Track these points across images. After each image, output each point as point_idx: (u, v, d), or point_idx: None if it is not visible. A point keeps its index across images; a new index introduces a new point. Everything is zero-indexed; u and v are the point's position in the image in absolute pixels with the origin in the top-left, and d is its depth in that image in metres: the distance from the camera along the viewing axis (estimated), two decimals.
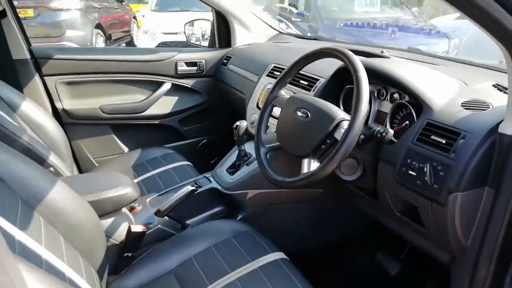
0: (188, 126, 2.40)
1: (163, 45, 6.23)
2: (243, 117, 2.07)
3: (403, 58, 1.57)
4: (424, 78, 1.19)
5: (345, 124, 1.08)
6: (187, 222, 1.56)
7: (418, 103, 1.16)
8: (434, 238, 1.17)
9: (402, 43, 4.50)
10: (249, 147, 1.67)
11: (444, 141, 1.03)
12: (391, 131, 1.04)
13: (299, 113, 1.19)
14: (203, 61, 2.33)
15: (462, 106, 1.09)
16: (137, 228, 1.34)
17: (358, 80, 1.04)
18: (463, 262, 1.12)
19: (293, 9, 6.42)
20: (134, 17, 9.51)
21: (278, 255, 1.29)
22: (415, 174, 1.06)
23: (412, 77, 1.17)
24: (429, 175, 1.02)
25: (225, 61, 2.27)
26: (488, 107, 1.06)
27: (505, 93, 1.18)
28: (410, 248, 1.62)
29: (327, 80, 1.45)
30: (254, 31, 2.38)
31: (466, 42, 4.66)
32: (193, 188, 1.47)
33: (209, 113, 2.43)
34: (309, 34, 4.72)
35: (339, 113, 1.11)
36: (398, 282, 1.62)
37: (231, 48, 2.37)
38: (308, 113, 1.17)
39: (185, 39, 2.56)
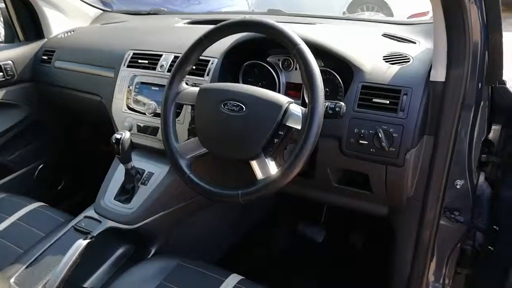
0: (12, 154, 1.75)
1: None
2: (101, 124, 1.63)
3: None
4: (341, 41, 1.10)
5: (295, 108, 0.90)
6: (86, 286, 1.13)
7: (340, 68, 1.08)
8: (377, 198, 1.16)
9: (207, 7, 4.44)
10: (138, 161, 1.31)
11: (387, 102, 0.98)
12: (344, 104, 0.92)
13: (226, 107, 0.95)
14: (10, 62, 1.69)
15: (385, 61, 1.06)
16: None
17: (302, 54, 0.87)
18: (409, 210, 1.16)
19: None
20: None
21: (233, 278, 1.07)
22: (366, 142, 0.99)
23: (331, 41, 1.07)
24: (385, 140, 0.96)
25: (45, 58, 1.70)
26: (409, 59, 1.06)
27: (399, 41, 1.22)
28: (327, 209, 1.63)
29: (221, 59, 1.22)
30: (71, 13, 1.85)
31: None
32: (89, 240, 1.06)
33: (37, 129, 1.83)
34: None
35: (281, 97, 0.92)
36: (326, 245, 1.62)
37: (46, 40, 1.79)
38: (241, 105, 0.93)
39: None
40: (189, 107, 1.18)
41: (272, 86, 1.22)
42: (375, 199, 1.18)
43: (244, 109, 0.93)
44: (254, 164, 0.92)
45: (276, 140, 0.90)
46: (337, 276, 1.56)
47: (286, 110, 0.90)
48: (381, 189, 1.09)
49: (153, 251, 1.27)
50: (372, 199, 1.19)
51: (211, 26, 1.01)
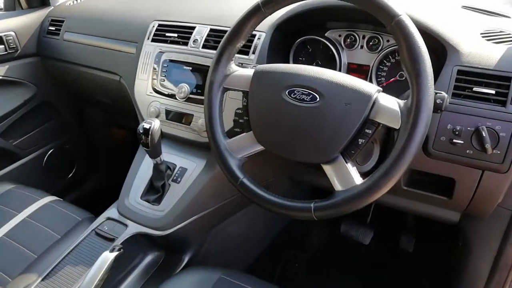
0: (19, 138, 1.56)
1: None
2: (118, 106, 1.43)
3: None
4: (431, 14, 0.88)
5: (387, 99, 0.70)
6: None
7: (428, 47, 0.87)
8: (455, 205, 0.98)
9: None
10: (167, 154, 1.11)
11: (493, 91, 0.78)
12: (446, 95, 0.72)
13: (293, 96, 0.74)
14: (12, 33, 1.47)
15: (486, 40, 0.85)
16: None
17: (405, 29, 0.65)
18: (492, 219, 0.98)
19: None
20: None
21: None
22: (462, 142, 0.79)
23: (424, 14, 0.85)
24: (489, 140, 0.76)
25: (53, 28, 1.48)
26: None
27: (488, 14, 1.01)
28: (374, 209, 1.45)
29: (269, 33, 1.00)
30: None
31: None
32: (117, 252, 0.88)
33: (45, 110, 1.63)
34: None
35: (367, 84, 0.72)
36: (374, 247, 1.45)
37: (52, 7, 1.57)
38: (314, 93, 0.73)
39: None
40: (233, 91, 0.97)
41: (329, 67, 1.01)
42: (451, 206, 1.00)
43: (317, 99, 0.72)
44: (330, 170, 0.73)
45: (361, 141, 0.70)
46: (385, 282, 1.39)
47: (375, 102, 0.70)
48: (467, 196, 0.90)
49: (186, 260, 1.10)
50: (447, 205, 1.00)
51: None
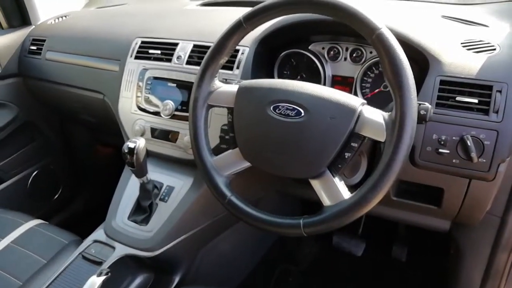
0: (2, 161, 1.53)
1: None
2: (102, 124, 1.41)
3: None
4: (411, 25, 0.89)
5: (372, 112, 0.70)
6: None
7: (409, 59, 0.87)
8: (445, 214, 0.98)
9: None
10: (153, 172, 1.09)
11: (476, 100, 0.78)
12: (430, 106, 0.72)
13: (277, 111, 0.74)
14: None
15: (466, 49, 0.86)
16: None
17: (385, 42, 0.66)
18: (482, 226, 0.98)
19: None
20: None
21: None
22: (448, 151, 0.80)
23: (403, 25, 0.86)
24: (474, 149, 0.77)
25: (34, 48, 1.46)
26: (494, 47, 0.86)
27: (467, 24, 1.02)
28: (365, 220, 1.45)
29: (253, 48, 1.00)
30: None
31: None
32: (105, 276, 0.86)
33: (28, 131, 1.60)
34: None
35: (351, 97, 0.72)
36: (367, 259, 1.44)
37: (32, 27, 1.55)
38: (298, 108, 0.72)
39: None
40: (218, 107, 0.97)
41: (314, 80, 1.01)
42: (440, 215, 1.00)
43: (302, 114, 0.72)
44: (317, 185, 0.72)
45: (347, 155, 0.70)
46: None
47: (360, 115, 0.69)
48: (455, 205, 0.90)
49: (176, 280, 1.07)
50: (437, 214, 1.00)
51: (247, 8, 0.80)
